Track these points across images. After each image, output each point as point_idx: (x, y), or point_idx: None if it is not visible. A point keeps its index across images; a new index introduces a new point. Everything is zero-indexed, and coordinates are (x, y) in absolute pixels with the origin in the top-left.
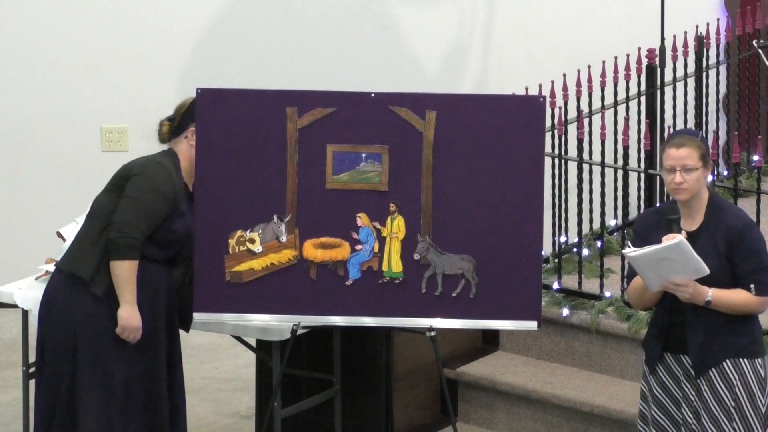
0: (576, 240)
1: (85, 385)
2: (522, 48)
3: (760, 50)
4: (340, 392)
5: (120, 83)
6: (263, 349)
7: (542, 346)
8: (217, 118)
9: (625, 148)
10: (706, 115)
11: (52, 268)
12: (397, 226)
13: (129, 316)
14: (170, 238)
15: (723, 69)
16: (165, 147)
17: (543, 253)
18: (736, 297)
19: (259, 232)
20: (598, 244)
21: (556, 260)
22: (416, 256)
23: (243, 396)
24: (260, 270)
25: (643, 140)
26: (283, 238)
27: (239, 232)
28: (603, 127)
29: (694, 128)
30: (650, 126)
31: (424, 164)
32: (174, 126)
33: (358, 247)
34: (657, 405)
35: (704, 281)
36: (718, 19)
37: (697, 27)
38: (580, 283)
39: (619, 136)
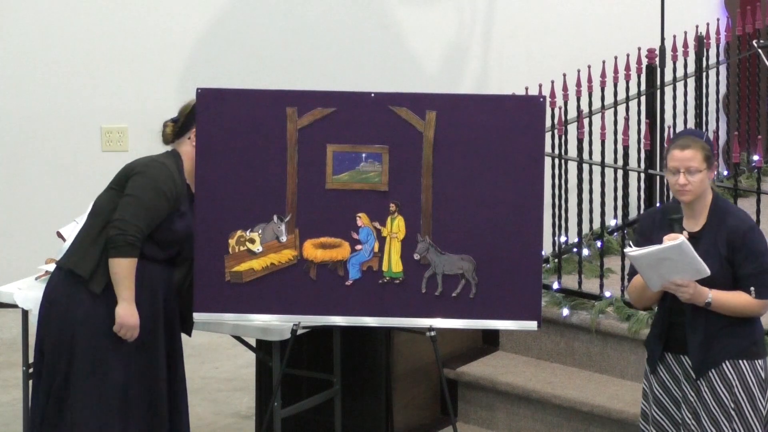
0: (576, 240)
1: (82, 384)
2: (522, 48)
3: (760, 50)
4: (340, 392)
5: (120, 83)
6: (263, 349)
7: (542, 346)
8: (217, 118)
9: (625, 148)
10: (706, 115)
11: (52, 268)
12: (397, 226)
13: (126, 314)
14: (170, 238)
15: (723, 69)
16: (168, 148)
17: (543, 253)
18: (736, 299)
19: (259, 232)
20: (598, 244)
21: (556, 260)
22: (416, 256)
23: (243, 396)
24: (260, 270)
25: (643, 140)
26: (283, 238)
27: (239, 232)
28: (603, 127)
29: (702, 130)
30: (650, 126)
31: (424, 164)
32: (177, 127)
33: (358, 247)
34: (657, 405)
35: (705, 282)
36: (718, 19)
37: (697, 27)
38: (580, 283)
39: (619, 136)
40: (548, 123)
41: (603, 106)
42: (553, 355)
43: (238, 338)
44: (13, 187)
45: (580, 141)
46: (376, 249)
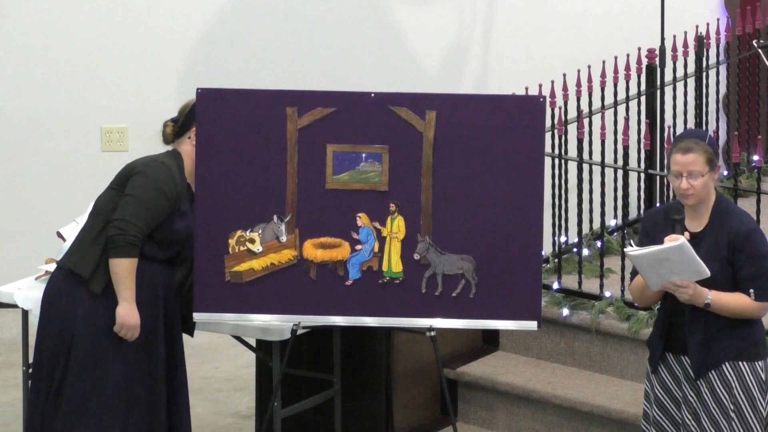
0: (576, 240)
1: (81, 384)
2: (522, 48)
3: (760, 50)
4: (340, 392)
5: (120, 83)
6: (263, 349)
7: (542, 346)
8: (217, 118)
9: (625, 148)
10: (706, 115)
11: (52, 268)
12: (397, 226)
13: (127, 314)
14: (171, 238)
15: (723, 69)
16: (169, 148)
17: (543, 253)
18: (735, 301)
19: (259, 232)
20: (598, 244)
21: (556, 260)
22: (416, 256)
23: (243, 396)
24: (260, 270)
25: (643, 140)
26: (283, 238)
27: (239, 232)
28: (603, 127)
29: (700, 128)
30: (650, 126)
31: (424, 164)
32: (177, 127)
33: (358, 247)
34: (657, 405)
35: (705, 283)
36: (718, 19)
37: (697, 27)
38: (580, 283)
39: (619, 136)
40: (548, 123)
41: (603, 106)
42: (553, 355)
43: (238, 338)
44: (13, 187)
45: (580, 141)
46: (376, 249)
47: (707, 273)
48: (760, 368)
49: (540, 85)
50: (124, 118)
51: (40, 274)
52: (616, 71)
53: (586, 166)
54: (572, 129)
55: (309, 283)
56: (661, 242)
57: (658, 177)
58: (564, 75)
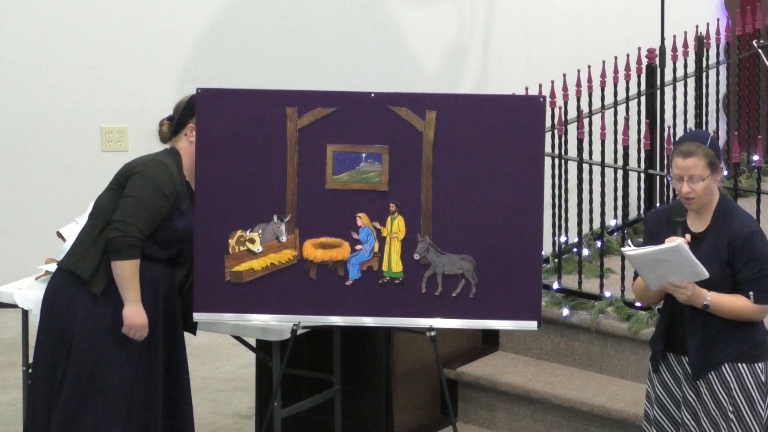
0: (576, 240)
1: (82, 385)
2: (522, 48)
3: (760, 50)
4: (340, 392)
5: (120, 83)
6: (263, 349)
7: (542, 346)
8: (217, 118)
9: (625, 148)
10: (706, 115)
11: (52, 268)
12: (397, 226)
13: (133, 315)
14: (171, 237)
15: (723, 69)
16: (167, 146)
17: (543, 253)
18: (734, 303)
19: (259, 232)
20: (598, 244)
21: (556, 260)
22: (416, 256)
23: (243, 396)
24: (260, 270)
25: (643, 140)
26: (283, 238)
27: (239, 232)
28: (603, 127)
29: (701, 129)
30: (650, 126)
31: (424, 164)
32: (174, 125)
33: (358, 247)
34: (658, 405)
35: (704, 285)
36: (718, 19)
37: (697, 27)
38: (580, 283)
39: (619, 136)
40: (548, 123)
41: (603, 106)
42: (553, 355)
43: (238, 338)
44: (13, 187)
45: (580, 141)
46: (376, 249)
47: (706, 274)
48: (759, 370)
49: (540, 85)
50: (124, 118)
51: (40, 274)
52: (616, 71)
53: (586, 166)
54: (572, 129)
55: (309, 283)
56: (663, 243)
57: (658, 177)
58: (564, 75)
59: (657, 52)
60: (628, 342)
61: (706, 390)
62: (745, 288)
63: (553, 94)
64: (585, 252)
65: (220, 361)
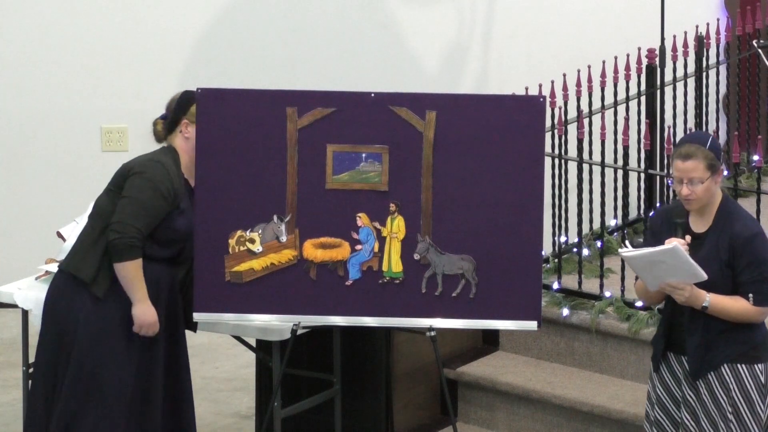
0: (576, 240)
1: (83, 386)
2: (522, 48)
3: (760, 50)
4: (340, 392)
5: (120, 83)
6: (263, 349)
7: (542, 346)
8: (217, 118)
9: (625, 148)
10: (706, 115)
11: (51, 268)
12: (397, 226)
13: (143, 314)
14: (171, 237)
15: (723, 69)
16: (164, 144)
17: (543, 253)
18: (733, 305)
19: (259, 232)
20: (598, 244)
21: (556, 260)
22: (416, 256)
23: (243, 396)
24: (260, 270)
25: (643, 140)
26: (283, 238)
27: (239, 232)
28: (603, 127)
29: (702, 130)
30: (650, 126)
31: (424, 164)
32: (167, 123)
33: (358, 247)
34: (658, 404)
35: (704, 285)
36: (718, 19)
37: (697, 27)
38: (580, 283)
39: (619, 136)
40: (548, 123)
41: (603, 106)
42: (553, 355)
43: (238, 338)
44: (13, 187)
45: (580, 141)
46: (376, 249)
47: (704, 276)
48: (759, 371)
49: (540, 85)
50: (124, 118)
51: (40, 274)
52: (616, 71)
53: (586, 166)
54: (572, 129)
55: (309, 283)
56: (664, 242)
57: (658, 177)
58: (564, 75)
59: (657, 52)
60: (628, 342)
61: (705, 390)
62: (745, 290)
63: (553, 94)
64: (585, 252)
65: (220, 361)
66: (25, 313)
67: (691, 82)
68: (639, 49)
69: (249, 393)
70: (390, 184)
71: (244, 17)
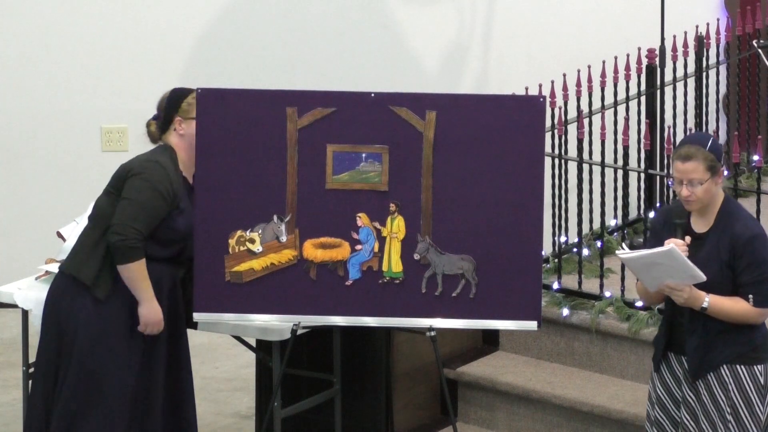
0: (576, 240)
1: (83, 386)
2: (522, 48)
3: (760, 50)
4: (340, 392)
5: (120, 83)
6: (263, 349)
7: (542, 346)
8: (217, 118)
9: (625, 148)
10: (706, 115)
11: (51, 268)
12: (397, 226)
13: (149, 313)
14: (172, 237)
15: (723, 69)
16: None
17: (543, 253)
18: (733, 306)
19: (259, 232)
20: (598, 244)
21: (556, 260)
22: (416, 256)
23: (243, 396)
24: (260, 270)
25: (643, 140)
26: (283, 238)
27: (239, 232)
28: (603, 127)
29: (702, 130)
30: (650, 126)
31: (424, 164)
32: (160, 123)
33: (358, 247)
34: (659, 404)
35: (704, 286)
36: (718, 19)
37: (697, 27)
38: (580, 283)
39: (619, 136)
40: (548, 123)
41: (603, 106)
42: (553, 355)
43: (238, 338)
44: (13, 187)
45: (580, 141)
46: (376, 249)
47: (703, 277)
48: (759, 373)
49: (540, 85)
50: (124, 118)
51: (40, 274)
52: (616, 71)
53: (586, 166)
54: (572, 129)
55: (309, 283)
56: (664, 243)
57: (658, 177)
58: (564, 75)
59: (657, 52)
60: (628, 342)
61: (704, 391)
62: (745, 291)
63: (553, 94)
64: (585, 252)
65: (220, 361)
66: (25, 313)
67: (691, 82)
68: (639, 49)
69: (249, 393)
70: (390, 184)
71: (244, 17)
